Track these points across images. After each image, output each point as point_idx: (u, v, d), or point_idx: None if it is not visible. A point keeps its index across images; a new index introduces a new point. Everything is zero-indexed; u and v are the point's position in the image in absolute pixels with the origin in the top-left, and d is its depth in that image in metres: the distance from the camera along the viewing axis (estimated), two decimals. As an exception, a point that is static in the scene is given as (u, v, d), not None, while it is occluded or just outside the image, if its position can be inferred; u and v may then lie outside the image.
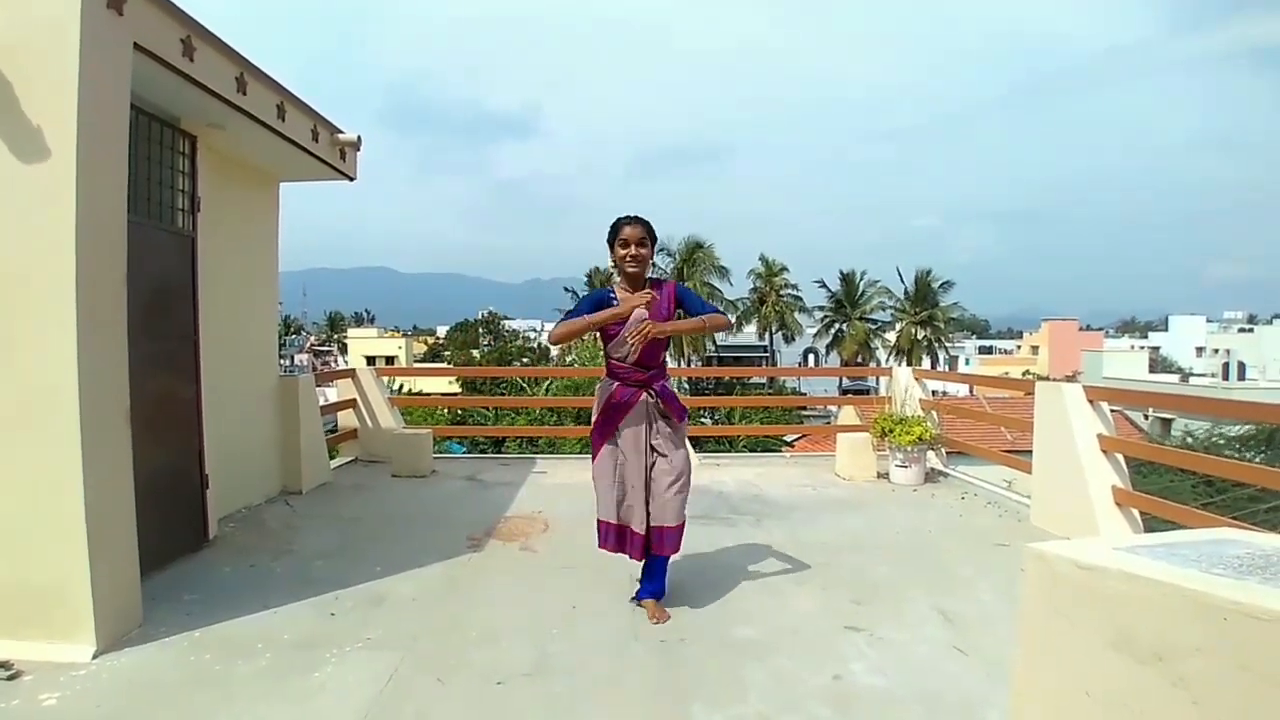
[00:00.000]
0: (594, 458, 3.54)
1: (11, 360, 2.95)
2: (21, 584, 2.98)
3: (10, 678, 2.77)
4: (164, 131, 4.18)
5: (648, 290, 3.38)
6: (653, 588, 3.57)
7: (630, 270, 3.41)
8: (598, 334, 3.47)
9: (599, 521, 3.53)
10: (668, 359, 3.60)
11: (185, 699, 2.71)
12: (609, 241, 3.46)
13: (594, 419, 3.55)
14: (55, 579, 2.97)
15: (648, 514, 3.44)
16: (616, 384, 3.47)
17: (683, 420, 3.53)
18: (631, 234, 3.38)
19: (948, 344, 45.44)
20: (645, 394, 3.45)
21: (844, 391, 33.24)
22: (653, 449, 3.46)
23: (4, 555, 2.98)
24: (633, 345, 3.33)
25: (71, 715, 2.58)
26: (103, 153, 3.06)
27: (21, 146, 2.87)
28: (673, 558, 3.58)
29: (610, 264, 3.52)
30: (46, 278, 2.91)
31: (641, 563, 3.58)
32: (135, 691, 2.75)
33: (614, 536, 3.50)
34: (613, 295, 3.45)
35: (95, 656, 2.95)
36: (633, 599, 3.63)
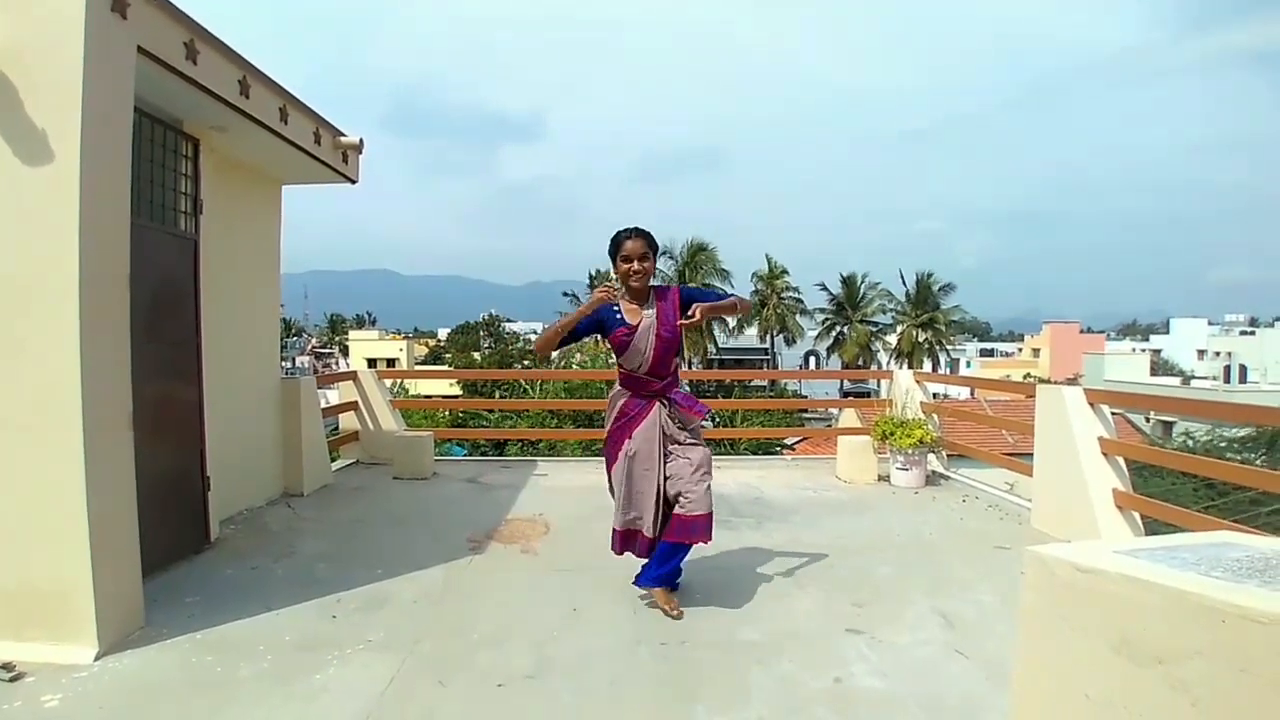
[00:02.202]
0: (609, 467, 3.58)
1: (15, 362, 2.96)
2: (24, 586, 2.99)
3: (12, 679, 2.78)
4: (167, 134, 4.19)
5: (609, 288, 3.40)
6: (660, 571, 3.51)
7: (634, 286, 3.42)
8: (599, 339, 3.50)
9: (614, 529, 3.57)
10: (679, 365, 3.60)
11: (187, 701, 2.72)
12: (610, 255, 3.46)
13: (608, 429, 3.57)
14: (57, 581, 2.98)
15: (668, 508, 3.45)
16: (629, 395, 3.48)
17: (703, 416, 3.52)
18: (633, 249, 3.38)
19: (949, 347, 45.44)
20: (658, 404, 3.46)
21: (845, 394, 33.22)
22: (674, 446, 3.46)
23: (6, 557, 2.98)
24: (646, 355, 3.37)
25: (73, 717, 2.59)
26: (106, 155, 3.07)
27: (25, 149, 2.88)
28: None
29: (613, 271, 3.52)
30: (50, 280, 2.91)
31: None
32: (137, 693, 2.75)
33: (621, 542, 3.56)
34: (617, 311, 3.43)
35: (97, 658, 2.96)
36: (637, 583, 3.60)
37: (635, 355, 3.40)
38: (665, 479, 3.45)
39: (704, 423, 3.57)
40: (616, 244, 3.42)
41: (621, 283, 3.46)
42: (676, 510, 3.42)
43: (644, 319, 3.39)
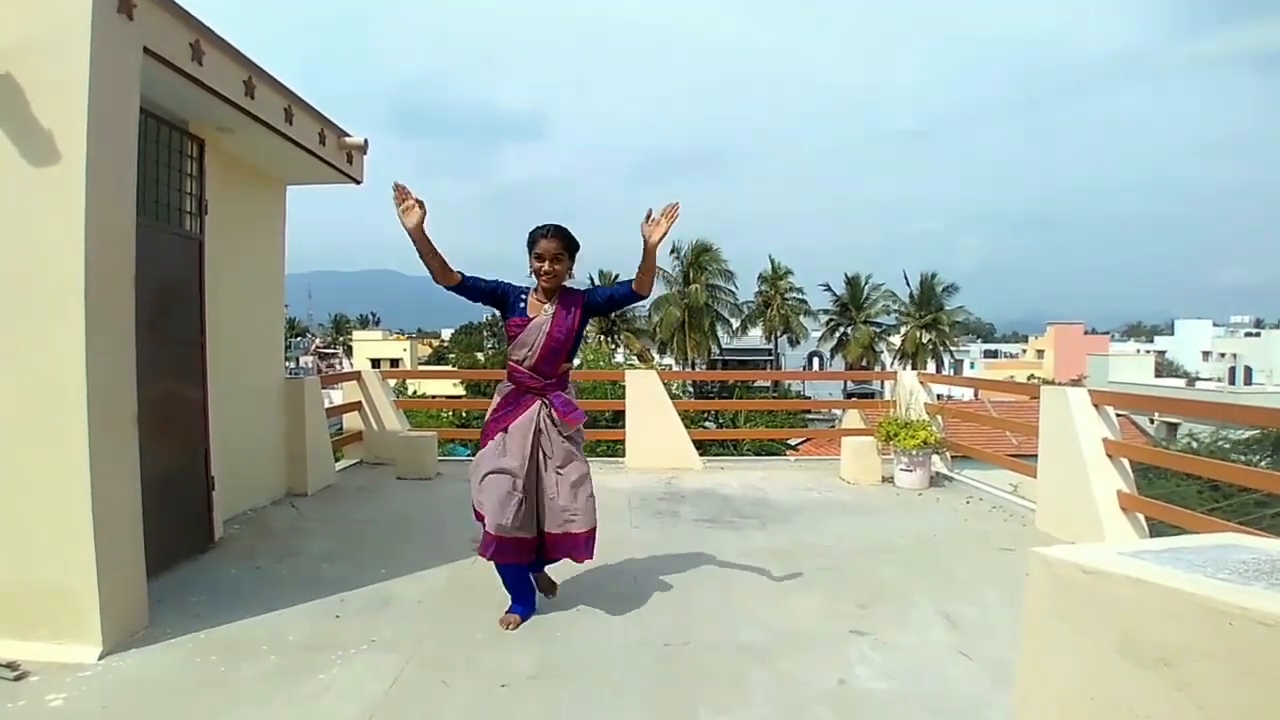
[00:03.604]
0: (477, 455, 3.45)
1: (20, 362, 2.97)
2: (28, 585, 3.00)
3: (17, 678, 2.78)
4: (172, 134, 4.20)
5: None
6: (525, 608, 3.47)
7: (544, 286, 3.34)
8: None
9: (485, 533, 3.31)
10: (569, 370, 3.48)
11: (191, 700, 2.73)
12: (528, 246, 3.35)
13: (486, 419, 3.47)
14: (62, 580, 2.98)
15: (545, 523, 3.37)
16: (512, 388, 3.41)
17: (575, 424, 3.38)
18: (547, 248, 3.29)
19: (952, 348, 45.37)
20: (540, 402, 3.35)
21: (849, 395, 33.21)
22: (546, 459, 3.34)
23: (12, 556, 2.99)
24: (533, 351, 3.29)
25: (77, 716, 2.59)
26: (112, 155, 3.08)
27: (32, 149, 2.89)
28: (675, 559, 3.55)
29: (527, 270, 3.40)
30: (55, 279, 2.92)
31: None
32: (141, 693, 2.76)
33: (494, 547, 3.28)
34: (523, 297, 3.37)
35: (101, 657, 2.96)
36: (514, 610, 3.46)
37: (521, 348, 3.33)
38: (540, 492, 3.35)
39: (580, 432, 3.43)
40: (532, 240, 3.33)
41: (533, 277, 3.36)
42: (559, 530, 3.35)
43: (541, 314, 3.33)
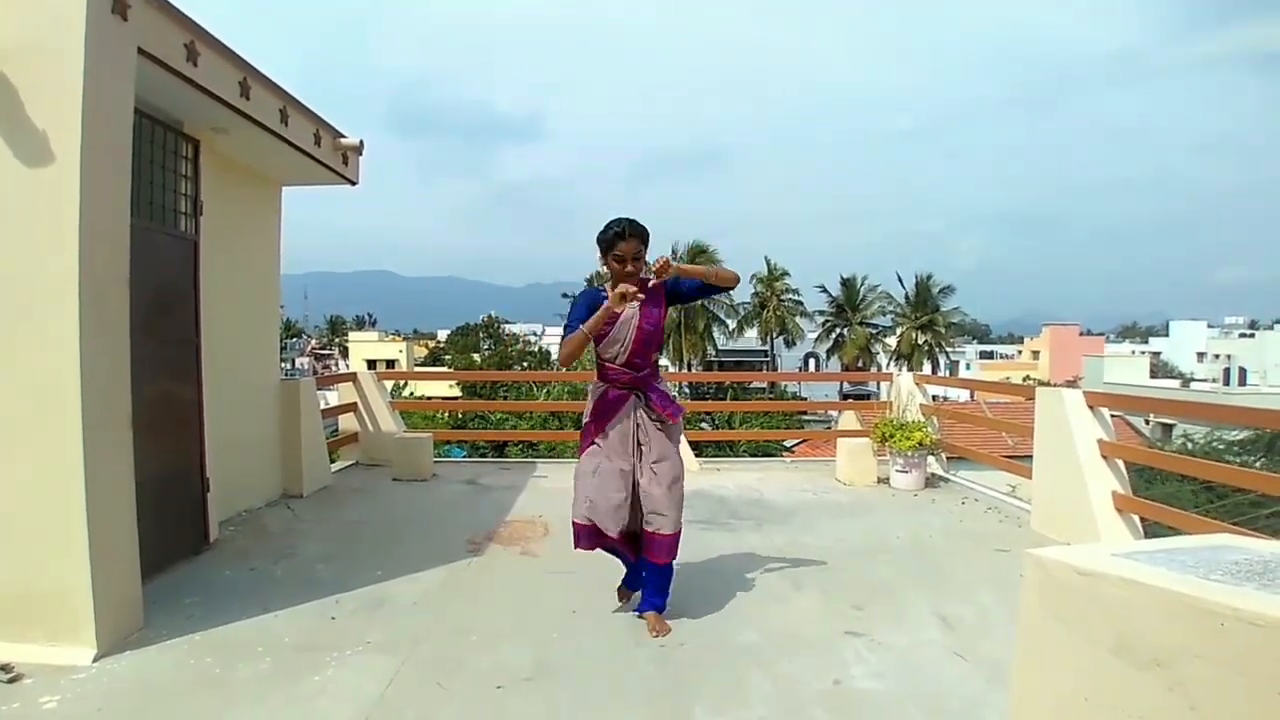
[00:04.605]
0: (580, 456, 3.51)
1: (14, 363, 2.96)
2: (22, 587, 2.99)
3: (10, 680, 2.78)
4: (167, 135, 4.20)
5: (629, 288, 3.20)
6: (654, 600, 3.49)
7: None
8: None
9: (573, 523, 3.45)
10: (659, 360, 3.52)
11: (186, 702, 2.72)
12: (601, 247, 3.33)
13: (584, 421, 3.52)
14: (56, 582, 2.97)
15: (640, 519, 3.40)
16: (606, 386, 3.42)
17: (676, 419, 3.46)
18: (628, 250, 3.26)
19: (948, 349, 45.46)
20: (634, 396, 3.40)
21: (845, 396, 33.23)
22: (641, 453, 3.39)
23: (5, 558, 2.98)
24: (625, 346, 3.32)
25: (71, 718, 2.59)
26: (107, 156, 3.08)
27: (26, 150, 2.88)
28: (675, 563, 3.54)
29: (602, 267, 3.43)
30: (50, 280, 2.92)
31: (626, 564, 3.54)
32: (135, 694, 2.75)
33: (586, 536, 3.43)
34: (604, 294, 3.35)
35: (96, 660, 2.96)
36: (635, 611, 3.55)
37: (613, 345, 3.35)
38: (636, 486, 3.38)
39: (679, 424, 3.51)
40: (609, 241, 3.29)
41: (612, 278, 3.36)
42: (647, 529, 3.37)
43: (627, 309, 3.32)
